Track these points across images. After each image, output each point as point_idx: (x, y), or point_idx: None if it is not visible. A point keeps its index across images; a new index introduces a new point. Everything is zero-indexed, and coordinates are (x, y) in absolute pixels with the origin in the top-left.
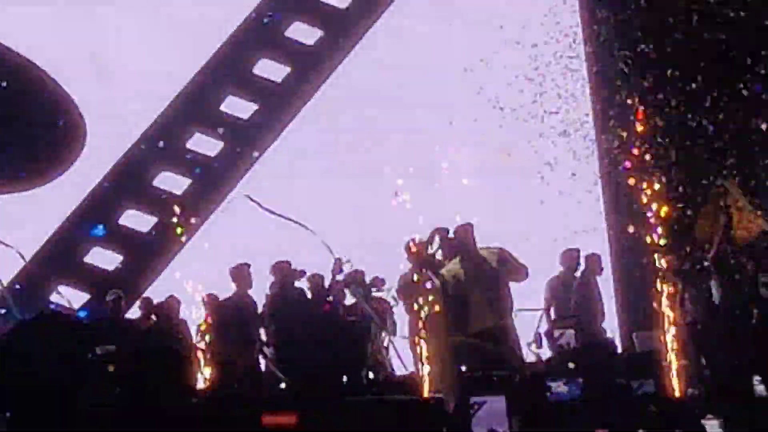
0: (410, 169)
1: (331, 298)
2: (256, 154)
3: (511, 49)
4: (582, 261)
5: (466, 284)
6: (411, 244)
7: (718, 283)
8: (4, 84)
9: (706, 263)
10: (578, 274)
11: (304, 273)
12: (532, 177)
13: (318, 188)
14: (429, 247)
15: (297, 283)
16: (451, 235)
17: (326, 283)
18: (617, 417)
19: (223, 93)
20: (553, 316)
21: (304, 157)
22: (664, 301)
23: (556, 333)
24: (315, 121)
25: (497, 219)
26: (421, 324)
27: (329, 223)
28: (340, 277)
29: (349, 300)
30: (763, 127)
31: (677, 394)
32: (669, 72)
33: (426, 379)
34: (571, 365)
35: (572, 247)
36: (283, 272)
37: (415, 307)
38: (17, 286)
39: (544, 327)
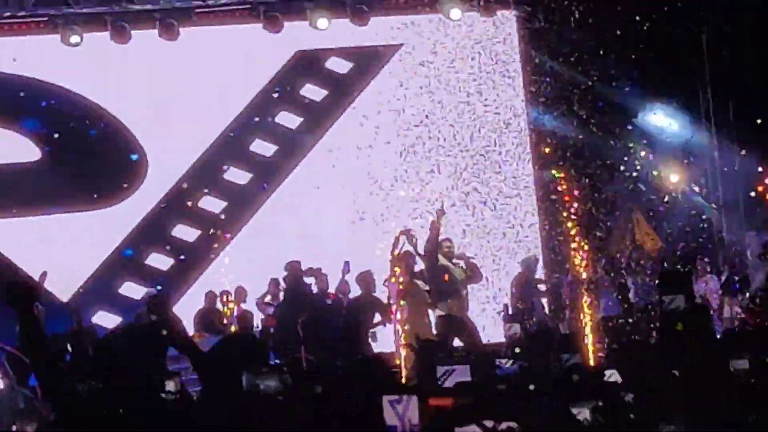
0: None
1: (333, 291)
2: (269, 186)
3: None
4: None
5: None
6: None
7: (632, 283)
8: (93, 132)
9: (621, 269)
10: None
11: (312, 270)
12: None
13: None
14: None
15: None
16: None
17: (336, 281)
18: (549, 383)
19: (252, 136)
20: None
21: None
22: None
23: (506, 326)
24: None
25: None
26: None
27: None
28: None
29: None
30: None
31: (592, 363)
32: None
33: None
34: (517, 350)
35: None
36: (295, 269)
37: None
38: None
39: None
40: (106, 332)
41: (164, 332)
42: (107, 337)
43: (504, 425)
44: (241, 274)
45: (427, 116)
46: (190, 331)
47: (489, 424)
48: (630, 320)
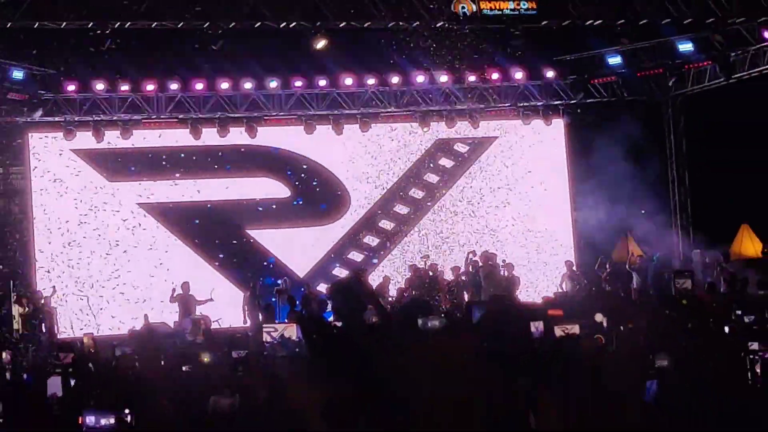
0: None
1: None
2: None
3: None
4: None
5: None
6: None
7: (636, 276)
8: (315, 180)
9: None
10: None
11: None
12: None
13: None
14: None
15: None
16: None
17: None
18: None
19: (410, 186)
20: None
21: None
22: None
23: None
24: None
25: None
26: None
27: None
28: None
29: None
30: None
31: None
32: None
33: None
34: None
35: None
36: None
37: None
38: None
39: None
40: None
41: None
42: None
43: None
44: (396, 267)
45: (508, 186)
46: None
47: (599, 317)
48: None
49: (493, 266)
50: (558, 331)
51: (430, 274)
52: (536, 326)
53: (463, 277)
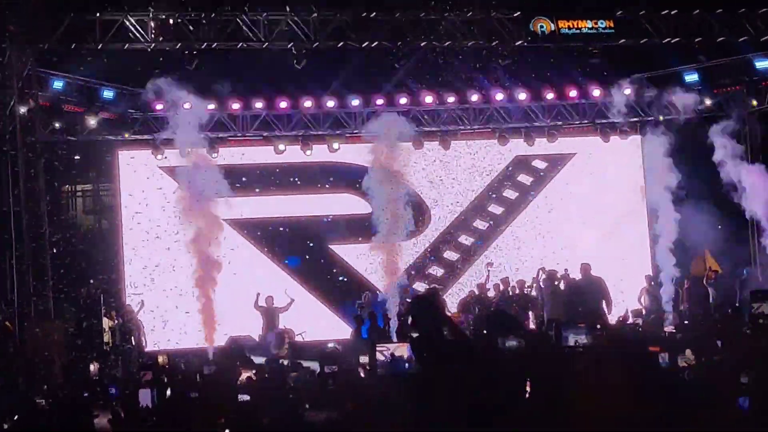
0: None
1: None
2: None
3: None
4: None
5: None
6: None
7: (713, 291)
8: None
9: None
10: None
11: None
12: None
13: None
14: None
15: None
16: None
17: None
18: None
19: (487, 203)
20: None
21: None
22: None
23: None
24: None
25: None
26: None
27: None
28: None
29: None
30: None
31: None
32: None
33: None
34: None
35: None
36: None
37: None
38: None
39: None
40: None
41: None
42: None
43: None
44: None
45: (585, 202)
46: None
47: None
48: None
49: (559, 282)
50: (681, 362)
51: (516, 290)
52: (662, 357)
53: (533, 293)
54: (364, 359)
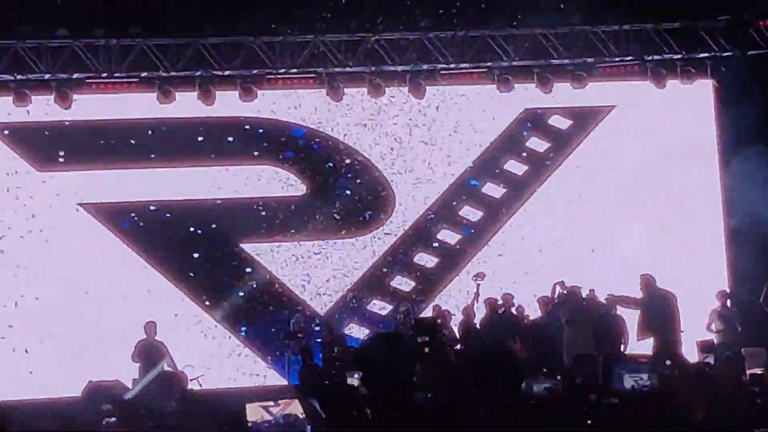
0: None
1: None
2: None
3: None
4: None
5: None
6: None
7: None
8: (349, 173)
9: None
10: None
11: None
12: None
13: None
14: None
15: None
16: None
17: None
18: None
19: (484, 180)
20: None
21: None
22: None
23: None
24: None
25: None
26: None
27: None
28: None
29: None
30: None
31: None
32: None
33: None
34: None
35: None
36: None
37: None
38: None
39: None
40: (362, 341)
41: (426, 351)
42: (365, 344)
43: None
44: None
45: (629, 179)
46: None
47: None
48: None
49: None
50: None
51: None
52: None
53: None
54: None
